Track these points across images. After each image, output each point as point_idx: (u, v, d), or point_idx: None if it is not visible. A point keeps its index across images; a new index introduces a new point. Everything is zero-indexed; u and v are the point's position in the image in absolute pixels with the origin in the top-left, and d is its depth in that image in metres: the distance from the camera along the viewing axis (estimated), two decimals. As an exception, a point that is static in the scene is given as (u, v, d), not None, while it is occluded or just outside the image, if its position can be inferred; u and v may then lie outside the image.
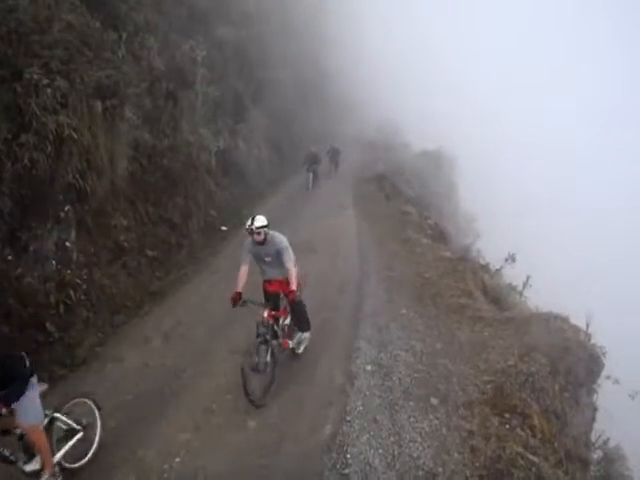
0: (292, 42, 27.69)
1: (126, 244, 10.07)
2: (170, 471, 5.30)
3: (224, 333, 8.21)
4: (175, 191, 12.57)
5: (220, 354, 7.62)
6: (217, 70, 17.57)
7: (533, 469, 5.78)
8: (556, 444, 6.81)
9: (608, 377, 9.15)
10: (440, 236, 15.98)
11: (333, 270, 11.22)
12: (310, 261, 11.69)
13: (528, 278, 13.40)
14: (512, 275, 14.56)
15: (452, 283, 10.75)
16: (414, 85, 44.31)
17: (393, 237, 14.12)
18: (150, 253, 10.64)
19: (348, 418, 6.14)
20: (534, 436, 6.49)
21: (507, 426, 6.40)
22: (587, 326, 9.44)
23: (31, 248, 7.84)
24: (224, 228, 14.05)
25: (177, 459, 5.46)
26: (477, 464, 5.66)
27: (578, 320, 9.39)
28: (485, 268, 13.81)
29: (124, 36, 11.58)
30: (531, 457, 5.97)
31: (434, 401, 6.67)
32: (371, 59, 40.99)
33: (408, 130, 40.47)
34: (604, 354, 9.09)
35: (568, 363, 8.27)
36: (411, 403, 6.57)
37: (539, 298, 11.74)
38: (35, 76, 7.70)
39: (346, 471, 5.33)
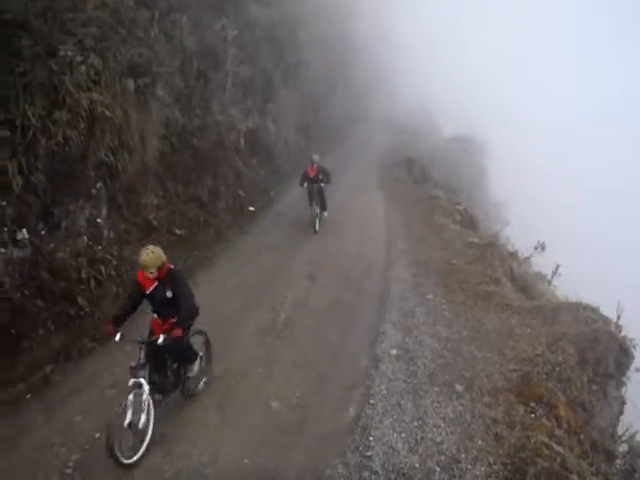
0: (322, 23, 27.31)
1: (155, 222, 10.21)
2: (195, 447, 5.39)
3: (251, 312, 8.33)
4: (204, 170, 12.65)
5: (246, 334, 7.72)
6: (248, 50, 17.48)
7: (558, 459, 5.70)
8: (582, 435, 6.71)
9: (638, 369, 8.96)
10: (469, 222, 15.74)
11: (360, 253, 11.22)
12: (335, 244, 11.71)
13: (557, 267, 13.14)
14: (541, 264, 14.32)
15: (480, 270, 10.61)
16: (447, 69, 43.63)
17: (421, 222, 13.99)
18: (178, 232, 10.76)
19: (372, 401, 6.16)
20: (560, 426, 6.41)
21: (532, 415, 6.32)
22: (618, 317, 9.22)
23: (64, 224, 8.00)
24: (251, 209, 14.10)
25: (200, 435, 5.55)
26: (501, 452, 5.61)
27: (609, 311, 9.17)
28: (514, 256, 13.61)
29: (156, 15, 11.58)
30: (556, 447, 5.89)
31: (459, 387, 6.62)
32: (403, 42, 40.38)
33: (439, 114, 39.95)
34: (634, 346, 8.89)
35: (597, 354, 8.10)
36: (435, 389, 6.55)
37: (568, 287, 11.51)
38: (70, 53, 7.73)
39: (369, 453, 5.35)
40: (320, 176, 13.06)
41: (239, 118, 15.48)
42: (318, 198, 13.03)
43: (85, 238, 8.42)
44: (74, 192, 8.21)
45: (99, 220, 8.84)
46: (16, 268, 6.99)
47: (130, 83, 9.55)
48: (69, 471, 5.04)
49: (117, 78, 9.01)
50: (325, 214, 13.13)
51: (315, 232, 12.43)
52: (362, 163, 22.39)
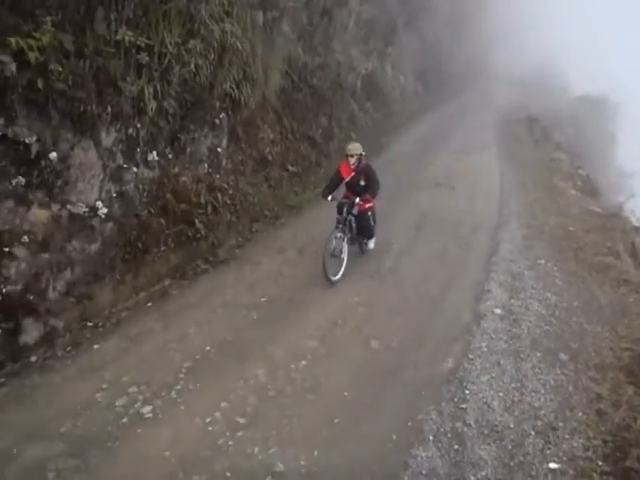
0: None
1: (270, 157, 10.47)
2: (296, 371, 5.68)
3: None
4: (320, 110, 12.71)
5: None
6: (373, -12, 16.97)
7: (665, 446, 5.39)
8: (694, 427, 6.27)
9: None
10: (590, 189, 14.72)
11: (470, 209, 10.90)
12: (446, 197, 11.44)
13: (687, 248, 12.02)
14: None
15: (598, 240, 9.94)
16: (580, 23, 39.88)
17: (538, 184, 13.25)
18: (291, 168, 11.00)
19: (471, 356, 6.10)
20: (670, 413, 6.01)
21: (641, 397, 5.98)
22: None
23: (188, 150, 8.40)
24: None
25: (303, 362, 5.82)
26: (603, 428, 5.37)
27: None
28: (638, 230, 12.58)
29: (286, -55, 11.44)
30: (664, 434, 5.56)
31: (563, 357, 6.36)
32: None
33: (568, 71, 36.91)
34: None
35: None
36: (538, 354, 6.34)
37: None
38: (208, -19, 7.88)
39: (463, 406, 5.35)
40: (361, 182, 7.99)
41: (359, 59, 15.26)
42: (355, 223, 8.03)
43: (206, 165, 8.83)
44: (200, 120, 8.55)
45: (219, 150, 9.19)
46: (145, 187, 7.49)
47: (259, 16, 9.62)
48: (182, 376, 5.51)
49: (248, 10, 9.12)
50: (371, 244, 8.53)
51: (332, 284, 7.49)
52: (480, 118, 21.39)
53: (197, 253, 8.10)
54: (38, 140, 5.80)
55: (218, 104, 8.92)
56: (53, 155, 5.99)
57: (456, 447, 4.88)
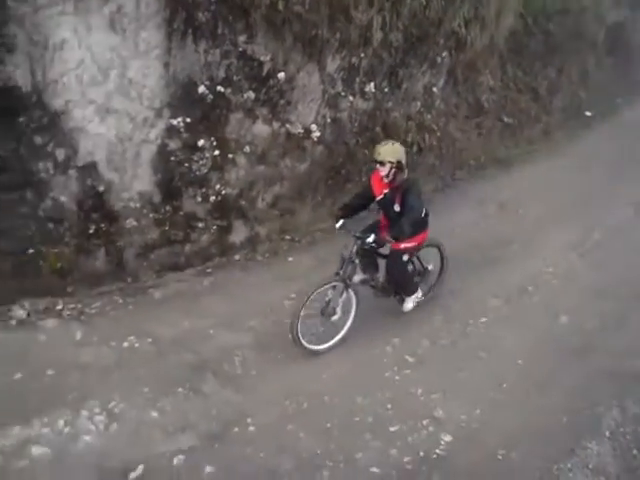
0: None
1: (486, 104, 9.92)
2: (474, 326, 5.57)
3: (560, 221, 7.75)
4: (550, 60, 11.52)
5: (550, 242, 7.28)
6: None
7: None
8: None
9: None
10: None
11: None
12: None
13: None
14: None
15: None
16: None
17: None
18: (506, 119, 10.30)
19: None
20: None
21: None
22: None
23: (404, 86, 8.29)
24: (588, 114, 12.58)
25: (482, 319, 5.67)
26: None
27: None
28: None
29: None
30: None
31: None
32: None
33: None
34: None
35: None
36: None
37: None
38: None
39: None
40: (396, 205, 4.95)
41: (607, 7, 13.36)
42: (387, 267, 5.26)
43: (418, 104, 8.66)
44: (421, 57, 8.32)
45: (435, 89, 8.93)
46: (357, 117, 7.65)
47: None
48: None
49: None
50: (409, 304, 5.44)
51: (313, 354, 4.98)
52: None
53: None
54: (271, 59, 6.22)
55: (442, 42, 8.56)
56: (281, 75, 6.40)
57: (635, 452, 4.37)
